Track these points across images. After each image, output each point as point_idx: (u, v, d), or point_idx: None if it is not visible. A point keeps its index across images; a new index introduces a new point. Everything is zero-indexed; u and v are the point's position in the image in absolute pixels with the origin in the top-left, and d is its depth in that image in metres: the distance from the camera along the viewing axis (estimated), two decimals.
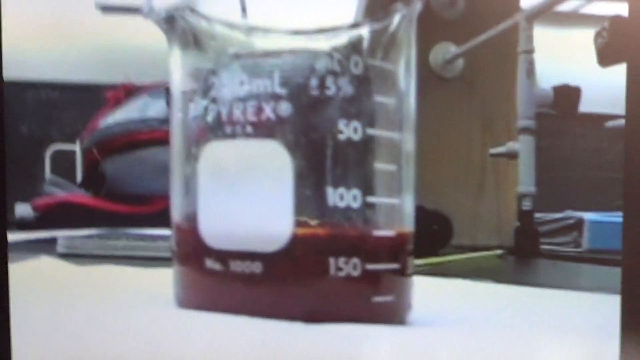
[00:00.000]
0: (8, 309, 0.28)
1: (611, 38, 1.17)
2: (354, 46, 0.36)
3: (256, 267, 0.35)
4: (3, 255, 0.29)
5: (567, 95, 1.13)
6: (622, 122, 0.37)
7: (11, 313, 0.28)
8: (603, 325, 0.42)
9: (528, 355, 0.33)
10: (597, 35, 1.30)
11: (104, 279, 0.53)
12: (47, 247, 0.76)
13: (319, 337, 0.33)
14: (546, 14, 1.09)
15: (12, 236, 0.30)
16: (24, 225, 1.27)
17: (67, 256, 0.70)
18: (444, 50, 1.27)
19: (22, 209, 1.37)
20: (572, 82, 1.15)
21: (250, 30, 0.37)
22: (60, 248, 0.74)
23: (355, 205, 0.36)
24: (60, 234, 0.80)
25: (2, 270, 0.29)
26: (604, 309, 0.47)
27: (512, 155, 1.11)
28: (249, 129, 0.36)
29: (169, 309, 0.38)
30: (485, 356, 0.32)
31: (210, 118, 0.37)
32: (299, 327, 0.34)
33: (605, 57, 1.24)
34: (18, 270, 0.49)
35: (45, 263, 0.59)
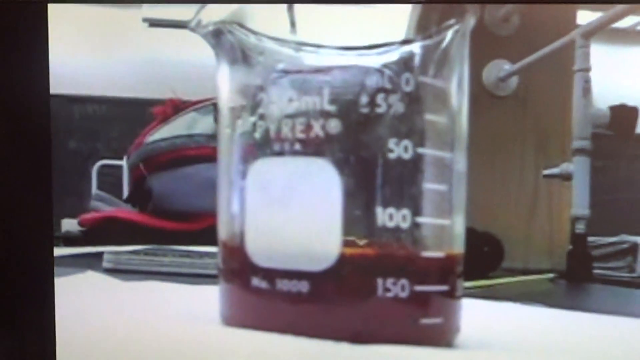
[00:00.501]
0: (54, 322, 0.29)
1: None
2: (405, 63, 0.36)
3: (303, 287, 0.35)
4: (50, 270, 0.29)
5: (624, 115, 1.12)
6: None
7: (57, 327, 0.28)
8: None
9: None
10: None
11: (149, 295, 0.53)
12: (93, 262, 0.77)
13: (365, 358, 0.32)
14: (603, 30, 1.08)
15: (59, 251, 0.31)
16: (70, 240, 1.28)
17: (112, 271, 0.71)
18: (498, 68, 1.26)
19: (69, 224, 1.38)
20: (630, 101, 1.13)
21: (300, 45, 0.37)
22: (106, 263, 0.75)
23: (405, 225, 0.36)
24: (106, 249, 0.81)
25: (48, 284, 0.29)
26: None
27: (566, 177, 1.10)
28: (298, 146, 0.36)
29: (215, 327, 0.38)
30: None
31: (258, 135, 0.37)
32: (345, 347, 0.34)
33: None
34: (64, 285, 0.50)
35: (91, 278, 0.60)
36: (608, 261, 1.29)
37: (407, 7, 0.41)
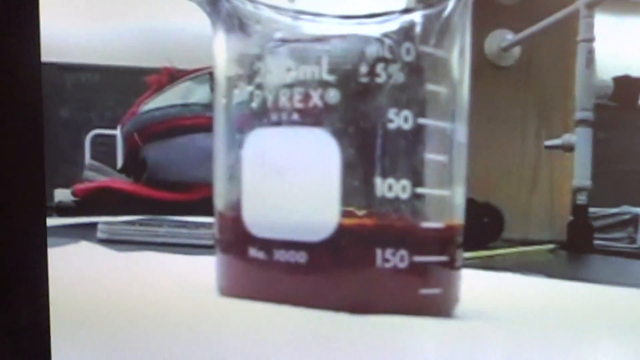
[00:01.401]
0: (47, 293, 0.29)
1: None
2: (406, 32, 0.36)
3: (301, 257, 0.35)
4: (42, 240, 0.30)
5: (628, 86, 1.13)
6: None
7: (50, 297, 0.29)
8: None
9: (577, 352, 0.33)
10: None
11: (144, 266, 0.54)
12: (86, 232, 0.77)
13: (363, 328, 0.33)
14: (608, 1, 1.08)
15: (52, 221, 0.31)
16: (63, 210, 1.29)
17: (107, 242, 0.71)
18: (500, 38, 1.26)
19: (62, 194, 1.39)
20: (634, 72, 1.14)
21: (298, 14, 0.37)
22: (100, 234, 0.75)
23: (404, 196, 0.36)
24: (100, 219, 0.81)
25: (41, 254, 0.29)
26: None
27: (568, 148, 1.11)
28: (296, 116, 0.36)
29: (211, 297, 0.39)
30: (533, 352, 0.32)
31: (255, 104, 0.37)
32: (343, 317, 0.34)
33: None
34: (57, 256, 0.50)
35: (85, 248, 0.60)
36: (609, 232, 1.30)
37: None
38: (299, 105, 0.36)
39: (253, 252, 0.37)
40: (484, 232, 0.90)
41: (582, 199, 1.07)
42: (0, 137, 0.29)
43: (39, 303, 0.29)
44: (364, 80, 0.35)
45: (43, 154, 0.29)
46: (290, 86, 0.36)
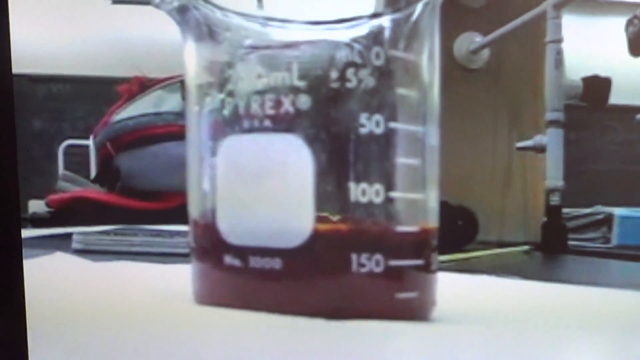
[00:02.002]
0: (24, 304, 0.29)
1: None
2: (375, 36, 0.36)
3: (276, 264, 0.35)
4: (18, 252, 0.29)
5: (597, 86, 1.13)
6: None
7: (26, 309, 0.28)
8: (631, 322, 0.42)
9: (553, 353, 0.33)
10: (629, 23, 1.29)
11: (120, 276, 0.54)
12: (61, 243, 0.77)
13: (340, 334, 0.33)
14: (575, 1, 1.09)
15: (26, 232, 0.30)
16: (38, 221, 1.28)
17: (82, 252, 0.71)
18: (469, 40, 1.27)
19: (36, 206, 1.38)
20: (602, 72, 1.14)
21: (267, 21, 0.37)
22: (75, 244, 0.75)
23: (378, 200, 0.36)
24: (75, 230, 0.81)
25: (17, 266, 0.29)
26: (633, 306, 0.47)
27: (540, 149, 1.11)
28: (268, 122, 0.36)
29: (187, 306, 0.38)
30: (509, 353, 0.32)
31: (227, 112, 0.37)
32: (320, 323, 0.34)
33: (637, 46, 1.23)
34: (33, 267, 0.50)
35: (60, 260, 0.60)
36: (583, 232, 1.30)
37: None
38: (270, 111, 0.36)
39: (228, 259, 0.37)
40: (459, 234, 0.90)
41: (555, 199, 1.08)
42: None
43: (16, 314, 0.29)
44: (335, 85, 0.35)
45: (17, 166, 0.29)
46: (261, 93, 0.36)
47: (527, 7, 1.14)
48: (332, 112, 0.36)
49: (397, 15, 0.37)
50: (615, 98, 1.18)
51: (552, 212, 1.08)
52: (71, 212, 1.27)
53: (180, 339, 0.32)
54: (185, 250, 0.41)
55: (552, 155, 1.08)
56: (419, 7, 0.37)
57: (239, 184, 0.37)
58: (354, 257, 0.35)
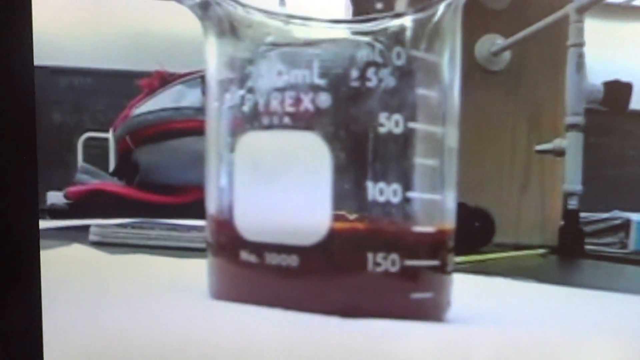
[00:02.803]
0: (40, 296, 0.29)
1: None
2: (397, 36, 0.36)
3: (292, 261, 0.35)
4: (35, 243, 0.29)
5: (618, 91, 1.13)
6: None
7: (43, 301, 0.29)
8: None
9: (567, 357, 0.33)
10: None
11: (136, 269, 0.54)
12: (79, 235, 0.77)
13: (355, 332, 0.33)
14: (598, 5, 1.08)
15: (44, 224, 0.31)
16: (56, 213, 1.28)
17: (99, 245, 0.71)
18: (490, 43, 1.26)
19: (55, 197, 1.39)
20: (624, 77, 1.14)
21: (289, 18, 0.37)
22: (92, 236, 0.75)
23: (395, 200, 0.36)
24: (93, 222, 0.81)
25: (34, 257, 0.29)
26: None
27: (559, 152, 1.11)
28: (287, 120, 0.36)
29: (203, 300, 0.39)
30: (523, 356, 0.32)
31: (246, 108, 0.37)
32: (335, 321, 0.34)
33: None
34: (50, 258, 0.50)
35: (77, 251, 0.60)
36: (600, 237, 1.30)
37: None
38: (290, 109, 0.36)
39: (244, 255, 0.37)
40: (475, 236, 0.90)
41: (573, 203, 1.08)
42: None
43: (32, 305, 0.29)
44: (355, 84, 0.35)
45: (36, 157, 0.29)
46: (281, 90, 0.36)
47: (549, 10, 1.14)
48: (352, 111, 0.36)
49: (419, 16, 0.37)
50: (636, 103, 1.17)
51: (570, 216, 1.08)
52: (89, 204, 1.27)
53: (195, 333, 0.32)
54: (202, 245, 0.41)
55: (571, 159, 1.08)
56: (441, 8, 0.37)
57: (256, 180, 0.37)
58: (370, 256, 0.35)
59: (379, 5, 0.37)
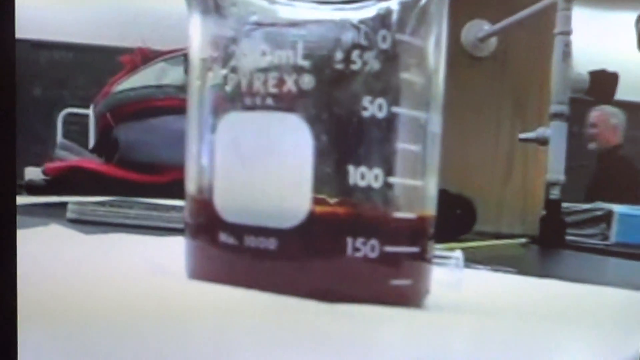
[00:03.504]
0: (15, 273, 0.29)
1: None
2: (383, 19, 0.36)
3: (271, 243, 0.35)
4: (12, 219, 0.29)
5: (604, 81, 1.13)
6: None
7: (18, 277, 0.28)
8: (626, 321, 0.42)
9: (544, 347, 0.33)
10: (639, 18, 1.29)
11: (113, 247, 0.54)
12: (56, 212, 0.77)
13: (331, 316, 0.33)
14: None
15: (21, 199, 0.31)
16: (33, 189, 1.28)
17: (76, 222, 0.71)
18: (477, 28, 1.27)
19: (33, 173, 1.38)
20: (610, 67, 1.14)
21: None
22: (70, 214, 0.75)
23: (377, 185, 0.36)
24: (71, 199, 0.81)
25: (10, 233, 0.29)
26: (629, 305, 0.47)
27: (543, 141, 1.11)
28: (270, 101, 0.36)
29: (180, 280, 0.39)
30: (499, 344, 0.32)
31: (229, 88, 0.37)
32: (312, 305, 0.34)
33: None
34: (26, 235, 0.50)
35: (54, 229, 0.60)
36: (581, 228, 1.30)
37: None
38: (273, 90, 0.36)
39: (223, 237, 0.37)
40: (456, 224, 0.90)
41: (555, 193, 1.08)
42: None
43: (7, 284, 0.29)
44: (339, 66, 0.35)
45: (15, 132, 0.29)
46: (264, 70, 0.36)
47: None
48: (335, 94, 0.35)
49: None
50: (622, 94, 1.18)
51: (552, 205, 1.09)
52: (67, 181, 1.27)
53: (172, 313, 0.32)
54: (180, 226, 0.41)
55: (554, 149, 1.08)
56: None
57: (237, 161, 0.37)
58: (349, 240, 0.35)
59: None
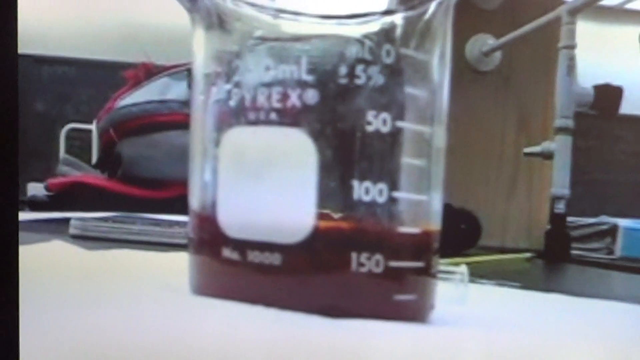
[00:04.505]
0: (17, 289, 0.29)
1: None
2: (387, 34, 0.36)
3: (275, 259, 0.35)
4: (14, 236, 0.29)
5: (609, 95, 1.13)
6: None
7: (20, 295, 0.28)
8: (631, 335, 0.42)
9: None
10: None
11: (116, 263, 0.54)
12: (59, 228, 0.77)
13: (336, 332, 0.33)
14: (590, 8, 1.09)
15: (24, 215, 0.30)
16: (36, 205, 1.28)
17: (79, 238, 0.71)
18: (481, 43, 1.27)
19: (35, 189, 1.38)
20: (615, 81, 1.14)
21: (278, 12, 0.37)
22: (73, 229, 0.75)
23: (381, 200, 0.36)
24: (74, 215, 0.81)
25: (12, 249, 0.29)
26: (634, 319, 0.47)
27: (547, 156, 1.11)
28: (274, 116, 0.36)
29: (184, 296, 0.38)
30: (505, 359, 0.32)
31: (233, 103, 0.37)
32: (317, 320, 0.34)
33: None
34: (29, 252, 0.50)
35: (57, 245, 0.60)
36: (586, 242, 1.30)
37: None
38: (277, 104, 0.36)
39: (227, 252, 0.37)
40: (461, 238, 0.90)
41: (560, 207, 1.08)
42: None
43: (9, 301, 0.29)
44: (343, 81, 0.35)
45: (17, 147, 0.29)
46: (268, 85, 0.36)
47: (541, 11, 1.15)
48: (339, 108, 0.36)
49: (410, 13, 0.37)
50: (627, 108, 1.18)
51: (557, 220, 1.08)
52: (70, 196, 1.27)
53: (176, 328, 0.32)
54: (184, 241, 0.41)
55: (559, 163, 1.08)
56: (432, 6, 0.37)
57: (241, 176, 0.37)
58: (354, 256, 0.35)
59: None
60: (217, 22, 0.38)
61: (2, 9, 0.29)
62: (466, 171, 1.23)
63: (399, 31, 0.37)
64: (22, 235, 0.29)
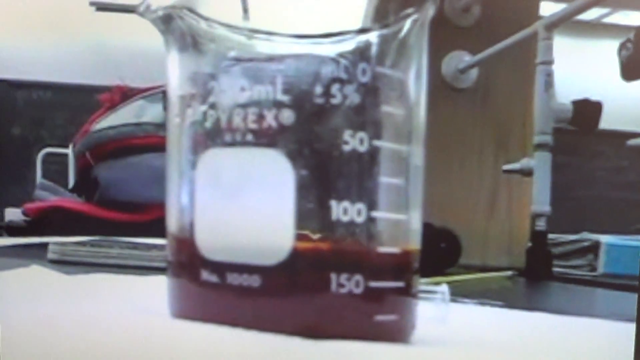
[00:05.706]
0: None
1: (636, 50, 1.17)
2: (362, 52, 0.36)
3: (254, 281, 0.35)
4: None
5: (587, 110, 1.14)
6: None
7: None
8: (614, 353, 0.42)
9: None
10: (621, 47, 1.30)
11: (95, 287, 0.53)
12: (37, 253, 0.77)
13: (317, 353, 0.33)
14: (567, 23, 1.09)
15: (2, 241, 0.30)
16: (13, 230, 1.28)
17: (58, 263, 0.71)
18: (457, 59, 1.27)
19: (12, 214, 1.38)
20: (593, 96, 1.15)
21: (252, 33, 0.37)
22: (51, 254, 0.74)
23: (360, 219, 0.36)
24: (51, 240, 0.81)
25: None
26: (618, 336, 0.47)
27: (527, 173, 1.12)
28: (250, 137, 0.36)
29: (163, 319, 0.38)
30: None
31: (209, 124, 0.37)
32: (297, 342, 0.34)
33: (630, 71, 1.24)
34: (8, 277, 0.50)
35: (36, 270, 0.59)
36: (568, 259, 1.31)
37: None
38: (253, 125, 0.36)
39: (205, 275, 0.37)
40: (441, 257, 0.90)
41: (541, 224, 1.08)
42: None
43: None
44: (319, 101, 0.35)
45: None
46: (244, 106, 0.36)
47: (518, 27, 1.15)
48: (316, 128, 0.36)
49: (384, 32, 0.37)
50: (606, 123, 1.18)
51: (538, 237, 1.09)
52: (48, 221, 1.27)
53: (155, 352, 0.32)
54: (162, 264, 0.41)
55: (539, 180, 1.09)
56: (407, 24, 0.38)
57: (218, 198, 0.37)
58: (333, 277, 0.35)
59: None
60: (191, 43, 0.38)
61: None
62: (445, 189, 1.24)
63: (374, 49, 0.37)
64: (0, 261, 0.29)
